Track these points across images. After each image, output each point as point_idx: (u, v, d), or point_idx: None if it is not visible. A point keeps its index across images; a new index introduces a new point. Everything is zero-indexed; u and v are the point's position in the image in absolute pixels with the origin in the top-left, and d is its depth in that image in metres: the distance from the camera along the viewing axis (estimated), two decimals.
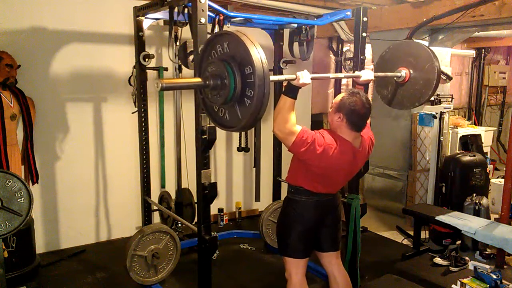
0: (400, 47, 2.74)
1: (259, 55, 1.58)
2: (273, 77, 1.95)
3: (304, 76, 1.99)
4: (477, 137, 5.42)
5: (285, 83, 2.10)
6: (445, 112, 4.10)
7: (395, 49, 2.75)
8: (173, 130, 4.00)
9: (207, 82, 1.71)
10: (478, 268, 2.94)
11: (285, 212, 2.33)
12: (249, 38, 1.63)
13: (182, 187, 3.94)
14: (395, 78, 2.67)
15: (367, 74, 2.48)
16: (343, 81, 5.39)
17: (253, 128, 3.99)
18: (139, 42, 3.00)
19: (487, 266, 3.02)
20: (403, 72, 2.63)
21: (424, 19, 3.79)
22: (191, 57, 3.11)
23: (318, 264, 3.15)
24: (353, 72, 2.78)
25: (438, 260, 3.42)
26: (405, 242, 3.97)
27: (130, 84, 3.37)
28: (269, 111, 4.35)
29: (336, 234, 2.41)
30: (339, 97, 2.19)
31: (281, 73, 3.63)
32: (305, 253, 2.31)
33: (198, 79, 1.76)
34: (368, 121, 2.39)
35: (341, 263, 2.47)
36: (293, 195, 2.27)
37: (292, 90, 2.03)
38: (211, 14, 2.54)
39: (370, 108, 2.18)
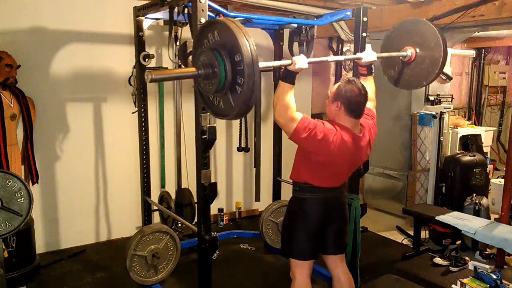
0: (405, 26, 2.67)
1: (247, 42, 1.56)
2: (267, 63, 1.92)
3: (301, 61, 1.96)
4: (477, 137, 5.41)
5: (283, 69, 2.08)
6: (445, 112, 4.10)
7: (400, 29, 2.68)
8: (173, 130, 4.00)
9: (199, 72, 1.71)
10: (478, 268, 2.94)
11: (291, 211, 2.32)
12: (238, 25, 1.60)
13: (182, 187, 3.94)
14: (401, 58, 2.59)
15: (369, 55, 2.38)
16: None
17: (253, 128, 3.99)
18: (139, 42, 2.99)
19: (487, 266, 3.02)
20: (409, 51, 2.55)
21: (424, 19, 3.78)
22: (191, 57, 3.10)
23: (318, 264, 3.15)
24: (352, 67, 2.77)
25: (438, 260, 3.42)
26: (405, 242, 3.98)
27: (130, 84, 3.37)
28: (269, 110, 4.37)
29: (343, 236, 2.37)
30: (334, 86, 2.19)
31: (281, 73, 3.63)
32: (311, 255, 2.28)
33: (192, 69, 1.73)
34: (373, 107, 2.38)
35: (346, 265, 2.45)
36: (298, 193, 2.26)
37: (289, 75, 2.01)
38: (211, 14, 2.53)
39: (367, 95, 2.18)
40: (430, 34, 2.51)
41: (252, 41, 1.57)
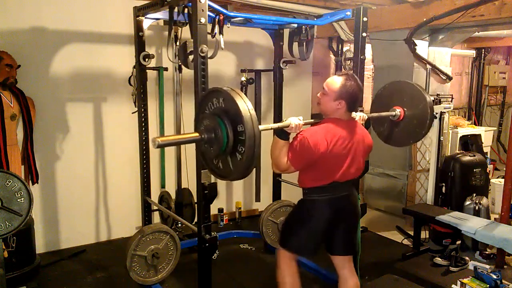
0: (395, 86, 2.82)
1: (251, 115, 1.66)
2: (266, 126, 2.07)
3: (298, 128, 2.12)
4: (477, 137, 5.41)
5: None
6: (445, 112, 4.10)
7: (390, 88, 2.84)
8: (173, 130, 4.00)
9: (202, 136, 1.79)
10: (478, 268, 2.94)
11: (299, 210, 2.34)
12: (242, 97, 1.71)
13: (182, 187, 3.94)
14: (390, 117, 2.74)
15: (360, 116, 2.48)
16: None
17: None
18: (139, 42, 2.99)
19: (487, 266, 3.02)
20: (397, 111, 2.71)
21: (424, 19, 3.79)
22: (191, 57, 3.10)
23: (317, 263, 3.16)
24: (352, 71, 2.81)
25: (438, 260, 3.42)
26: (405, 242, 3.97)
27: (130, 84, 3.37)
28: (269, 110, 4.37)
29: (352, 237, 2.37)
30: (335, 83, 2.17)
31: (281, 74, 3.64)
32: (311, 253, 2.32)
33: (196, 134, 1.83)
34: None
35: (353, 267, 2.43)
36: (307, 196, 2.26)
37: (284, 134, 2.14)
38: (211, 14, 2.54)
39: (362, 89, 2.26)
40: (418, 96, 2.67)
41: (254, 113, 1.67)
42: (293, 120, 2.11)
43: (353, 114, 2.34)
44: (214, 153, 1.79)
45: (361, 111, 2.54)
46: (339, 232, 2.28)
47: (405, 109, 2.70)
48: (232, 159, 1.74)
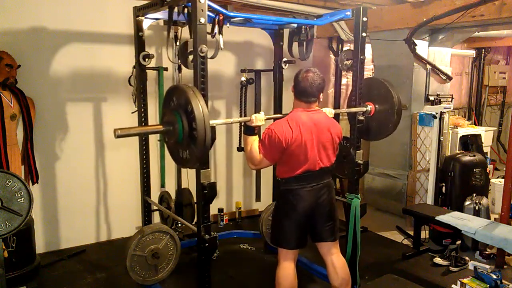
0: (367, 82, 2.92)
1: (195, 95, 1.88)
2: (225, 120, 2.32)
3: (258, 119, 2.31)
4: (477, 137, 5.41)
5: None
6: (445, 112, 4.10)
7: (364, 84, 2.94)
8: None
9: (163, 129, 2.00)
10: (478, 268, 2.94)
11: (279, 202, 2.47)
12: (190, 86, 1.96)
13: (182, 187, 3.94)
14: (361, 112, 2.83)
15: (328, 111, 2.57)
16: (343, 81, 5.39)
17: None
18: (139, 42, 2.99)
19: (487, 266, 3.02)
20: (369, 107, 2.82)
21: (424, 19, 3.79)
22: (191, 57, 3.09)
23: (317, 263, 3.16)
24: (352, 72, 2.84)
25: (438, 260, 3.42)
26: (405, 242, 3.97)
27: (130, 84, 3.37)
28: (269, 110, 4.37)
29: (333, 223, 2.46)
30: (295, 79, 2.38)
31: (281, 73, 3.64)
32: (297, 245, 2.40)
33: (159, 126, 2.05)
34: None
35: (340, 252, 2.52)
36: (284, 185, 2.39)
37: (249, 129, 2.35)
38: (211, 14, 2.53)
39: (316, 83, 2.33)
40: (384, 89, 2.81)
41: (203, 99, 1.89)
42: (254, 115, 2.31)
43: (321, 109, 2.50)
44: (172, 141, 1.96)
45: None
46: (319, 220, 2.41)
47: (376, 105, 2.81)
48: (193, 142, 1.90)
